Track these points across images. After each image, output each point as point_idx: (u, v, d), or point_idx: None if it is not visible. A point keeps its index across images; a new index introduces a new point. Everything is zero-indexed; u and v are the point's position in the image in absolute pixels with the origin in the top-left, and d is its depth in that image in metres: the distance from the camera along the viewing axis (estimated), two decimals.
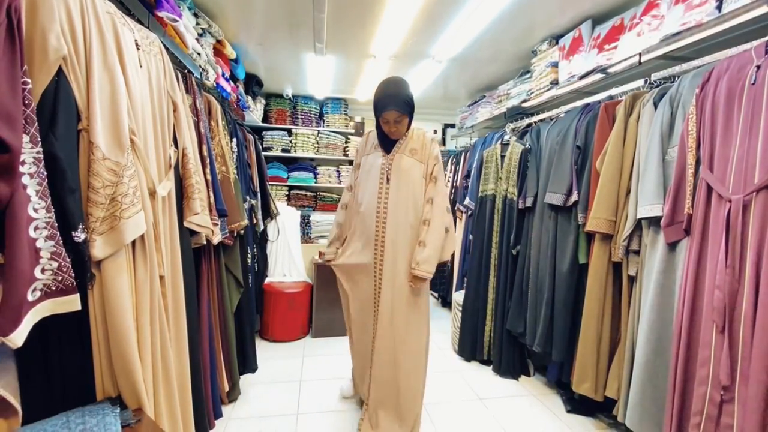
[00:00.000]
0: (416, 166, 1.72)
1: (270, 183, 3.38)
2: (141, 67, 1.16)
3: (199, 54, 2.03)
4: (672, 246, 1.50)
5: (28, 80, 0.77)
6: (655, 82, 1.80)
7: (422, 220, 1.70)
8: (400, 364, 1.72)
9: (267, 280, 3.13)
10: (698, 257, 1.35)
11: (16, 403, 0.84)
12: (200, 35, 2.16)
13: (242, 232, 2.09)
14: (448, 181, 3.94)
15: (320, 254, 1.95)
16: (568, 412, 2.08)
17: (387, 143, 1.76)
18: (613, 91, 2.02)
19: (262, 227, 2.73)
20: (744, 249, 1.21)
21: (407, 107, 1.66)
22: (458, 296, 2.93)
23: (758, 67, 1.24)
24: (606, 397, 1.83)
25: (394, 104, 1.62)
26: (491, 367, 2.59)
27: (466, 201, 3.24)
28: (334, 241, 1.94)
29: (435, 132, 4.82)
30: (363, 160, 1.82)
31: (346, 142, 4.30)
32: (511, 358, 2.49)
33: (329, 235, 1.97)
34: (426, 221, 1.70)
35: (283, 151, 4.10)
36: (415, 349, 1.75)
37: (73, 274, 0.83)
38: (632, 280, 1.73)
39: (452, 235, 1.77)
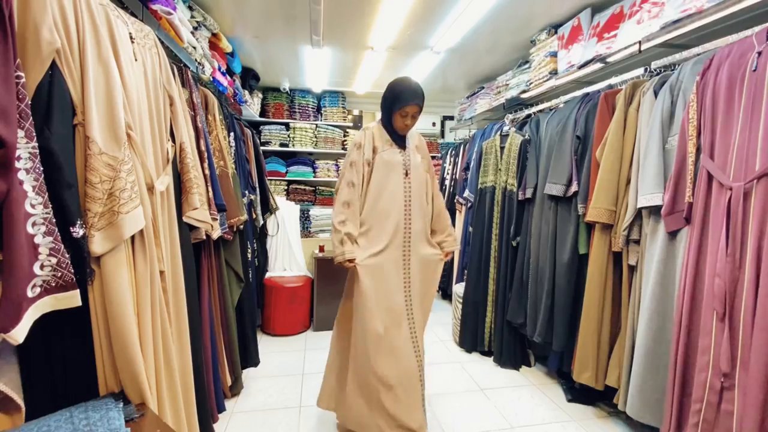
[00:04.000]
0: (421, 162, 1.87)
1: (269, 178, 3.37)
2: (136, 60, 1.14)
3: (194, 48, 2.01)
4: (672, 235, 1.50)
5: (22, 74, 0.76)
6: (655, 70, 1.79)
7: (441, 209, 1.93)
8: (420, 347, 1.81)
9: (267, 275, 3.13)
10: (699, 246, 1.35)
11: (19, 399, 0.84)
12: (195, 28, 2.14)
13: (242, 227, 2.08)
14: (448, 174, 3.94)
15: (333, 259, 1.72)
16: (569, 401, 2.09)
17: (399, 139, 1.82)
18: (613, 80, 2.01)
19: (261, 222, 2.73)
20: (745, 237, 1.21)
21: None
22: (458, 288, 2.94)
23: (759, 53, 1.23)
24: (607, 386, 1.84)
25: (420, 99, 1.71)
26: (492, 357, 2.60)
27: (466, 193, 3.23)
28: (346, 240, 1.72)
29: (434, 124, 4.79)
30: (379, 156, 1.78)
31: (344, 136, 4.28)
32: (511, 349, 2.50)
33: (338, 235, 1.71)
34: (443, 209, 1.94)
35: (281, 145, 4.08)
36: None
37: (72, 270, 0.83)
38: (632, 269, 1.74)
39: None
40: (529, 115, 2.73)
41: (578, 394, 2.08)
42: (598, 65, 2.11)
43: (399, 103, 1.70)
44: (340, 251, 1.67)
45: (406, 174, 1.80)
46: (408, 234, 1.78)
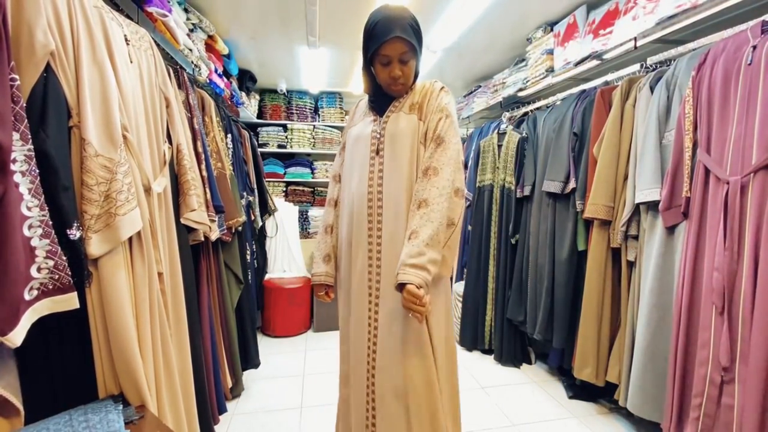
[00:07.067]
0: (416, 125, 1.16)
1: (267, 179, 3.37)
2: (131, 62, 1.14)
3: (190, 50, 2.01)
4: (670, 230, 1.50)
5: (16, 77, 0.76)
6: (651, 66, 1.79)
7: (416, 201, 1.08)
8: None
9: (267, 276, 3.13)
10: (697, 240, 1.35)
11: (17, 402, 0.84)
12: (191, 31, 2.14)
13: (240, 228, 2.08)
14: None
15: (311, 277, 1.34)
16: (570, 398, 2.09)
17: (382, 102, 1.21)
18: (609, 77, 2.01)
19: (260, 223, 2.72)
20: (742, 230, 1.21)
21: (416, 37, 1.10)
22: (458, 287, 2.93)
23: (754, 47, 1.23)
24: (607, 382, 1.84)
25: (401, 29, 1.05)
26: (493, 356, 2.60)
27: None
28: (328, 254, 1.31)
29: None
30: (349, 133, 1.29)
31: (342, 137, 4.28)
32: (512, 347, 2.50)
33: (318, 247, 1.33)
34: (421, 202, 1.06)
35: (279, 146, 4.08)
36: (444, 377, 1.17)
37: (69, 273, 0.83)
38: (631, 265, 1.74)
39: (457, 234, 1.15)
40: (526, 113, 2.73)
41: (579, 390, 2.08)
42: (594, 62, 2.11)
43: (373, 43, 1.10)
44: (312, 271, 1.31)
45: (377, 152, 1.16)
46: (377, 236, 1.16)
